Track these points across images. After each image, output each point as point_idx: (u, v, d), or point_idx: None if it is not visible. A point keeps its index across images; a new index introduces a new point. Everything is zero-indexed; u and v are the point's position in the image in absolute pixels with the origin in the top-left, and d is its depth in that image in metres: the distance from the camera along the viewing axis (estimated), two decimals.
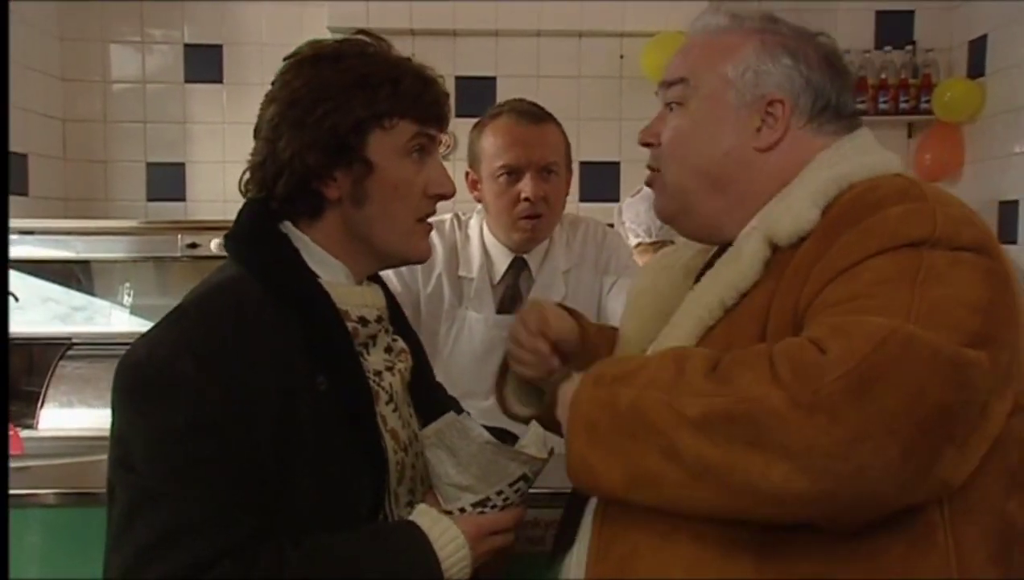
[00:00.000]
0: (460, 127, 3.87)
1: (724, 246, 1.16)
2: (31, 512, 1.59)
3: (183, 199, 3.95)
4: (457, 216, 2.07)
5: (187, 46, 3.98)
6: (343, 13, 3.69)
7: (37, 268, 3.15)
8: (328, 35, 3.73)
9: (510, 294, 2.00)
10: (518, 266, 2.00)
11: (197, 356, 1.02)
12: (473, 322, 1.97)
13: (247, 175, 1.19)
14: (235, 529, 1.01)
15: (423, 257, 1.25)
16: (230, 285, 1.12)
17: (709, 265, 1.19)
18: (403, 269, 1.95)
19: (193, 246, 3.15)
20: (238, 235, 1.18)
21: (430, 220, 1.23)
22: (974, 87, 3.82)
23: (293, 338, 1.09)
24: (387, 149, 1.15)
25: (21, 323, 3.02)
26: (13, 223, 2.86)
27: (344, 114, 1.11)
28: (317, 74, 1.13)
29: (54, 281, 3.26)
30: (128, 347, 1.07)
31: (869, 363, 0.83)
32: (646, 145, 1.21)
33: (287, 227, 1.18)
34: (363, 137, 1.13)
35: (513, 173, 1.89)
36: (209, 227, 3.24)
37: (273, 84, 1.17)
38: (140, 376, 1.04)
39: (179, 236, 3.18)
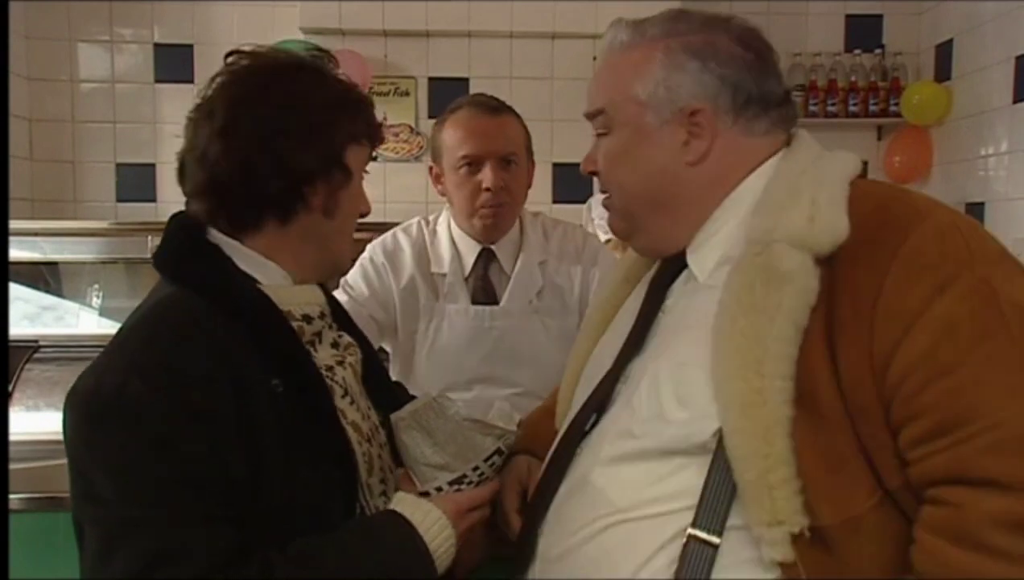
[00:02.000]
0: (432, 128, 3.90)
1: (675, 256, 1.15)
2: None
3: (153, 200, 3.92)
4: (424, 219, 2.10)
5: (157, 46, 3.94)
6: (315, 14, 3.67)
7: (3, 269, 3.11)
8: (300, 36, 3.71)
9: (481, 285, 2.02)
10: (487, 257, 2.02)
11: (145, 377, 1.00)
12: (452, 314, 1.99)
13: (204, 174, 1.14)
14: (217, 546, 0.99)
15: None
16: (169, 303, 1.11)
17: (663, 274, 1.19)
18: (372, 274, 2.00)
19: None
20: (168, 253, 1.16)
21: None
22: (941, 91, 3.88)
23: (242, 345, 1.08)
24: (357, 164, 1.20)
25: None
26: None
27: (338, 126, 1.16)
28: (306, 85, 1.16)
29: (21, 282, 3.22)
30: (91, 356, 1.05)
31: None
32: (591, 174, 1.19)
33: (215, 236, 1.16)
34: (345, 149, 1.18)
35: (473, 164, 1.92)
36: None
37: (237, 85, 1.16)
38: (92, 406, 1.01)
39: (149, 238, 3.14)
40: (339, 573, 1.04)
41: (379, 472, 1.22)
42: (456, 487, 1.16)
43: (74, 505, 1.04)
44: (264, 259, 1.16)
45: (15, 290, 3.20)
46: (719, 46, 1.08)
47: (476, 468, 1.16)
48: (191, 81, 3.92)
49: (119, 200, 3.92)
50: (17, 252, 3.11)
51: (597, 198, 2.99)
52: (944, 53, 3.93)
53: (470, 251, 2.01)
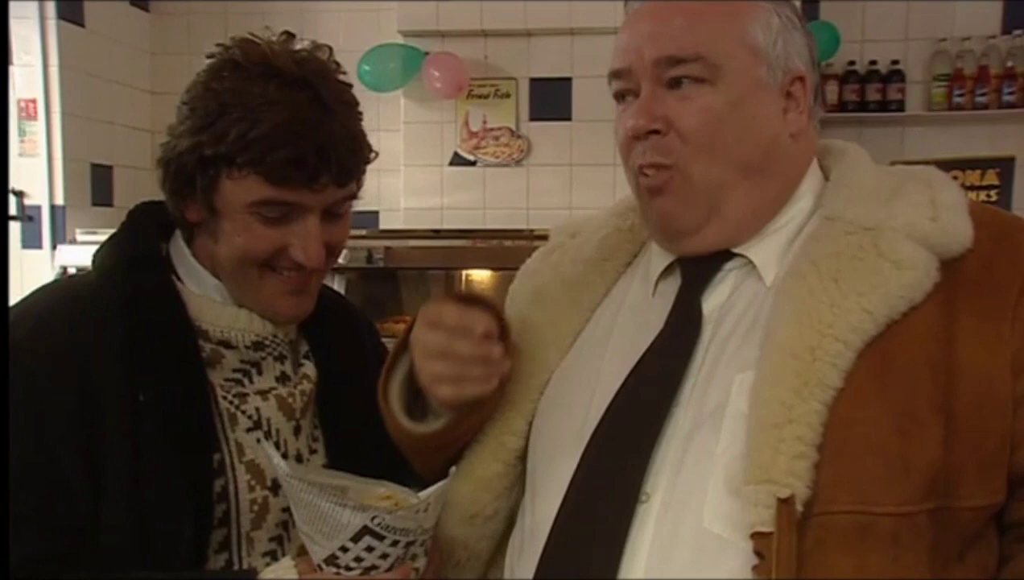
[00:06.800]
0: (534, 131, 3.76)
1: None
2: None
3: None
4: None
5: None
6: (413, 16, 3.61)
7: None
8: (399, 39, 3.67)
9: None
10: None
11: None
12: None
13: None
14: (50, 539, 0.95)
15: (285, 316, 1.10)
16: (63, 283, 1.12)
17: (690, 282, 0.98)
18: None
19: None
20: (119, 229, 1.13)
21: None
22: None
23: (112, 344, 0.99)
24: (234, 202, 1.01)
25: None
26: (101, 232, 2.93)
27: (192, 146, 1.00)
28: (204, 84, 1.03)
29: None
30: None
31: None
32: (652, 133, 0.93)
33: (176, 235, 1.11)
34: (211, 178, 1.00)
35: None
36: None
37: None
38: None
39: None
40: None
41: (274, 528, 1.07)
42: (334, 570, 0.92)
43: None
44: (203, 270, 1.08)
45: None
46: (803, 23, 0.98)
47: (345, 549, 0.91)
48: None
49: None
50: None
51: None
52: None
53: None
